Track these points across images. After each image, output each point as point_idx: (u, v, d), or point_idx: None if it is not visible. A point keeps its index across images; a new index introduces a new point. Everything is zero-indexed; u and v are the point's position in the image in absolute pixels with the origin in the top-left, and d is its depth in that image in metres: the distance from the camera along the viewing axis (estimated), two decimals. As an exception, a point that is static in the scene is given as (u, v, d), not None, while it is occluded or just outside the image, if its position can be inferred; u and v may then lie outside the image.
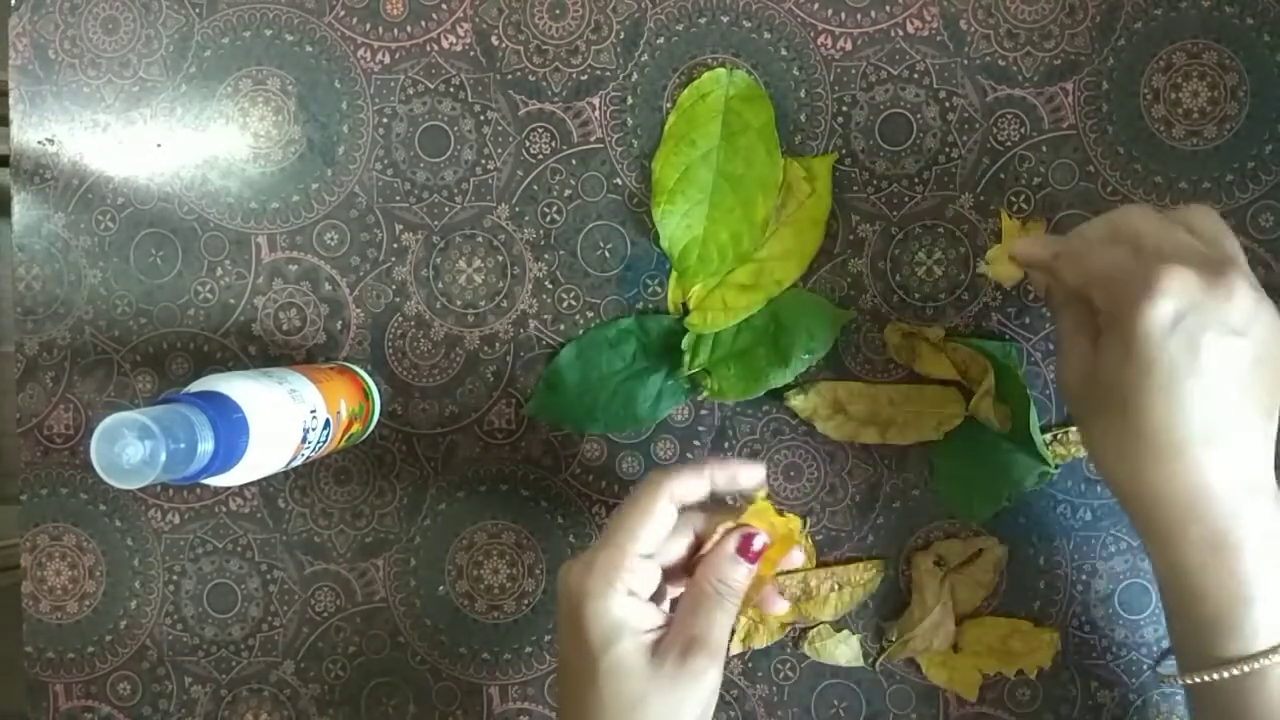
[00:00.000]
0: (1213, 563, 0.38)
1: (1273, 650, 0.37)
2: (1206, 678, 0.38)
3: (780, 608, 0.45)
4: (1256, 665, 0.37)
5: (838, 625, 0.53)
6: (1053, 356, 0.52)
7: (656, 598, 0.42)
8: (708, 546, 0.42)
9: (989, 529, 0.52)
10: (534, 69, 0.53)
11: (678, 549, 0.42)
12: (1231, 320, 0.36)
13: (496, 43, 0.53)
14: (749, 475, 0.42)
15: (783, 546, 0.43)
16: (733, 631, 0.53)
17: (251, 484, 0.55)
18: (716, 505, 0.44)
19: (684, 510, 0.42)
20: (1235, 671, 0.37)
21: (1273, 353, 0.37)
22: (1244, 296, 0.36)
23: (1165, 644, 0.52)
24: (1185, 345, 0.36)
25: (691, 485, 0.41)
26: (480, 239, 0.54)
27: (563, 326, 0.54)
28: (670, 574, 0.43)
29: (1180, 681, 0.40)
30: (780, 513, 0.42)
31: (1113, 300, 0.38)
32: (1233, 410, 0.37)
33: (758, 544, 0.41)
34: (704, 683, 0.38)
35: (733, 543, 0.41)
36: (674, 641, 0.39)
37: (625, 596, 0.39)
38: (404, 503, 0.55)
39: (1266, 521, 0.37)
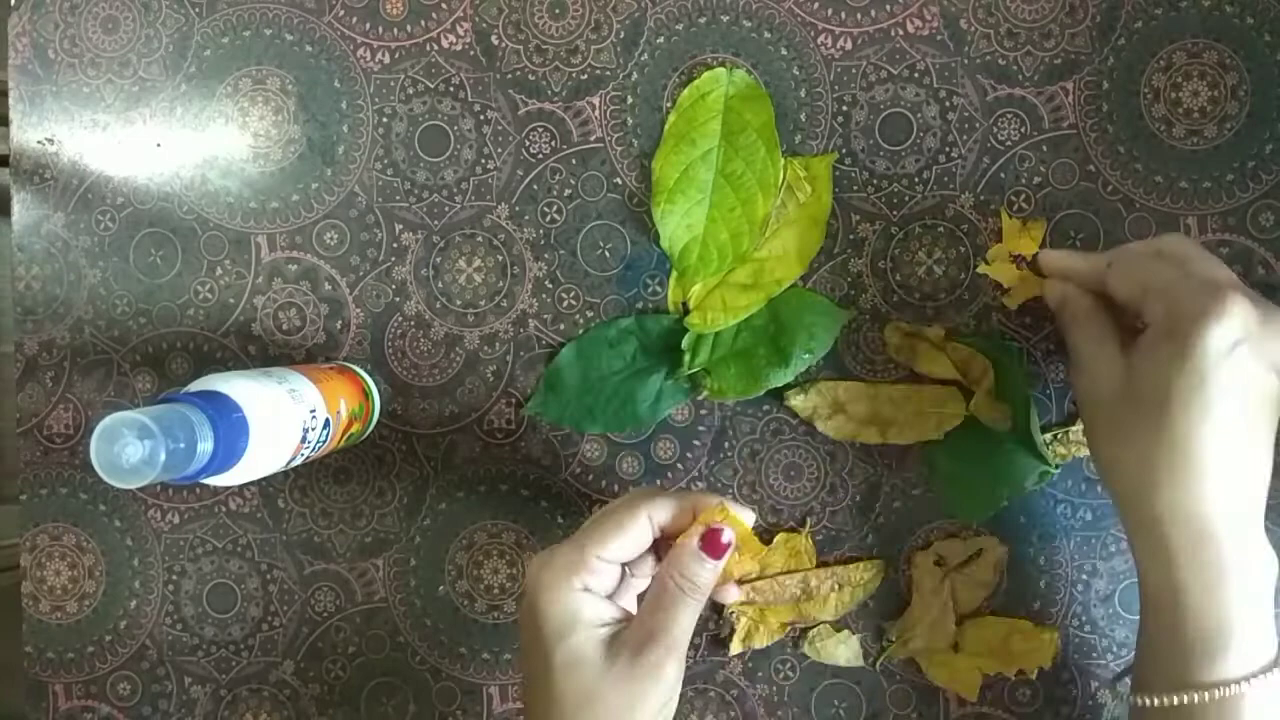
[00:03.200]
0: (1214, 586, 0.39)
1: (1248, 677, 0.38)
2: (1183, 699, 0.39)
3: (731, 596, 0.45)
4: (1234, 690, 0.38)
5: (838, 625, 0.53)
6: (1054, 356, 0.52)
7: (617, 596, 0.42)
8: (679, 541, 0.41)
9: (989, 529, 0.52)
10: (534, 68, 0.53)
11: (640, 544, 0.42)
12: (1277, 356, 0.38)
13: (496, 42, 0.53)
14: (729, 533, 0.41)
15: (746, 549, 0.42)
16: (733, 631, 0.53)
17: (251, 484, 0.55)
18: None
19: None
20: (1218, 694, 0.38)
21: None
22: None
23: (1127, 661, 0.52)
24: (1236, 370, 0.37)
25: (672, 514, 0.41)
26: (480, 238, 0.54)
27: (563, 326, 0.54)
28: (635, 569, 0.43)
29: (1148, 702, 0.41)
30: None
31: (1171, 314, 0.38)
32: (1261, 441, 0.38)
33: (725, 539, 0.40)
34: (661, 678, 0.38)
35: (695, 540, 0.40)
36: (631, 635, 0.39)
37: (580, 591, 0.39)
38: (404, 502, 0.55)
39: (1260, 552, 0.39)
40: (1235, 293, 0.38)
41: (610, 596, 0.41)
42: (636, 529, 0.40)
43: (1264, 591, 0.39)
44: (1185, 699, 0.39)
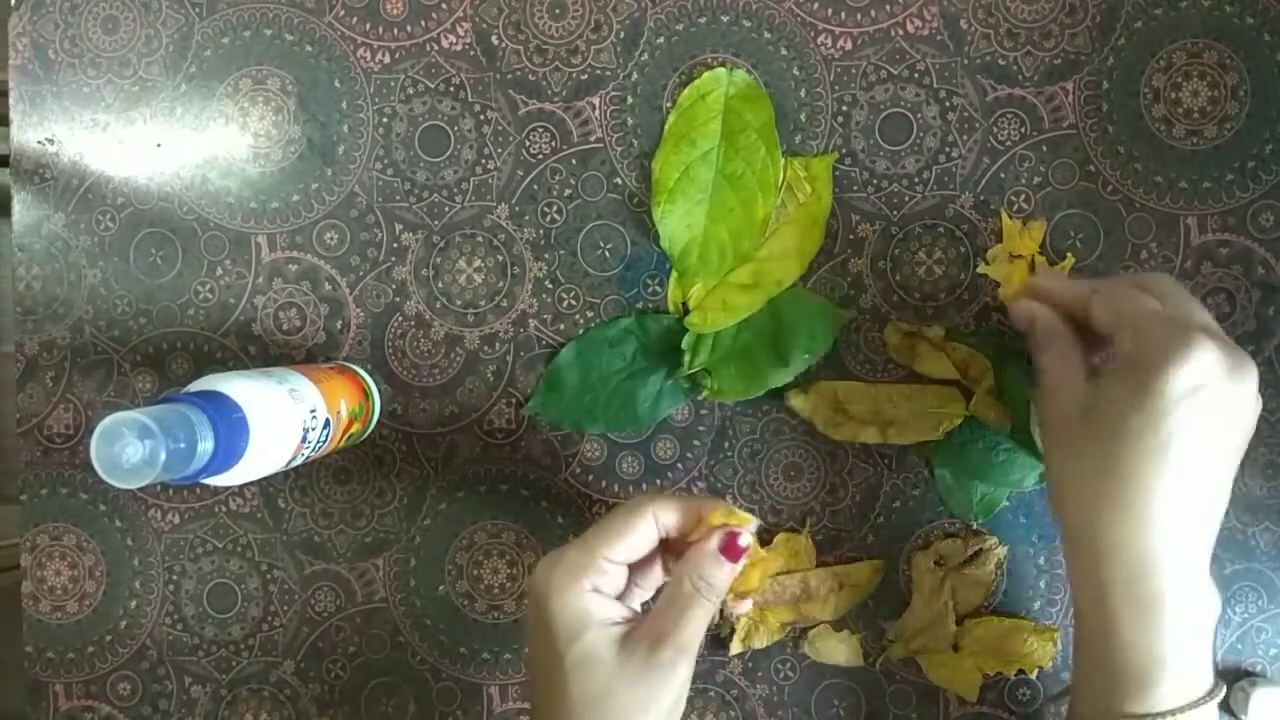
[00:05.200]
0: (1149, 620, 0.39)
1: (1180, 710, 0.38)
2: None
3: (743, 608, 0.46)
4: None
5: (838, 625, 0.53)
6: (1053, 356, 0.52)
7: (622, 598, 0.42)
8: (694, 536, 0.41)
9: (989, 529, 0.52)
10: (534, 68, 0.53)
11: (646, 545, 0.42)
12: (1239, 406, 0.38)
13: (496, 42, 0.53)
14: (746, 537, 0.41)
15: (765, 563, 0.43)
16: (733, 631, 0.53)
17: (251, 484, 0.55)
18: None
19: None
20: None
21: (1249, 437, 0.39)
22: (1254, 385, 0.38)
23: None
24: (1196, 414, 0.37)
25: (678, 516, 0.41)
26: (480, 238, 0.54)
27: (563, 326, 0.54)
28: (635, 571, 0.43)
29: None
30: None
31: (1142, 348, 0.38)
32: (1213, 485, 0.39)
33: (743, 542, 0.40)
34: (673, 677, 0.38)
35: (715, 540, 0.40)
36: (644, 635, 0.39)
37: (590, 592, 0.39)
38: (404, 502, 0.55)
39: (1201, 591, 0.39)
40: (1203, 337, 0.37)
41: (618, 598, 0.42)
42: (643, 529, 0.40)
43: (1201, 628, 0.39)
44: None
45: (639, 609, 0.44)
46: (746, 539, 0.40)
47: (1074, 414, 0.40)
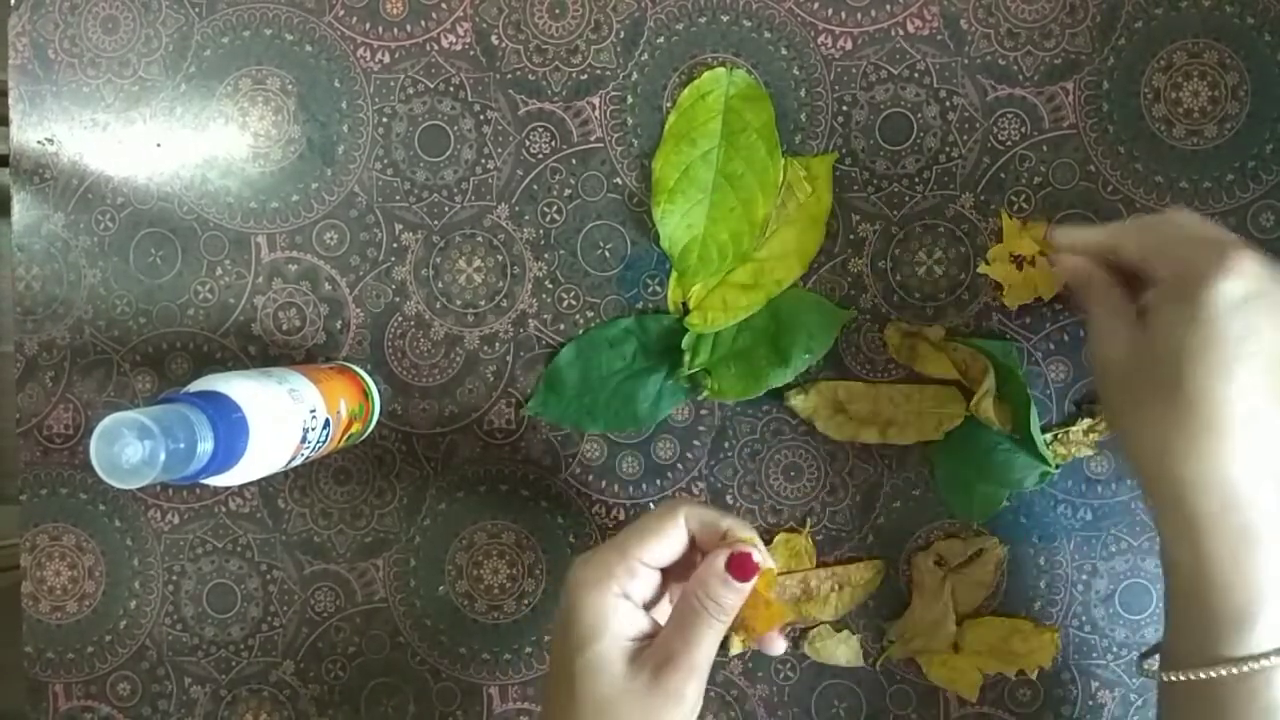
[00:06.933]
0: (1243, 555, 0.37)
1: (1277, 651, 0.37)
2: (1210, 674, 0.37)
3: (778, 648, 0.43)
4: (1265, 663, 0.36)
5: (838, 625, 0.53)
6: (1054, 356, 0.52)
7: (655, 607, 0.42)
8: (705, 561, 0.40)
9: (989, 529, 0.52)
10: (534, 68, 0.53)
11: (677, 548, 0.41)
12: None
13: (496, 42, 0.53)
14: (761, 555, 0.40)
15: (774, 615, 0.41)
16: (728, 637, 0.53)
17: (251, 484, 0.55)
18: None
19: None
20: (1245, 669, 0.37)
21: None
22: None
23: (1153, 641, 0.52)
24: (1249, 323, 0.36)
25: (708, 520, 0.40)
26: (480, 238, 0.54)
27: (563, 326, 0.54)
28: (673, 576, 0.42)
29: (1175, 678, 0.39)
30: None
31: (1179, 274, 0.38)
32: (1277, 394, 0.37)
33: (754, 559, 0.39)
34: (680, 701, 0.38)
35: (721, 560, 0.39)
36: (654, 655, 0.38)
37: (616, 596, 0.39)
38: (404, 503, 0.55)
39: None
40: (1242, 249, 0.37)
41: (648, 605, 0.41)
42: (675, 532, 0.40)
43: None
44: (1213, 674, 0.37)
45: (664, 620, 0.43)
46: (758, 558, 0.39)
47: (1129, 358, 0.40)
